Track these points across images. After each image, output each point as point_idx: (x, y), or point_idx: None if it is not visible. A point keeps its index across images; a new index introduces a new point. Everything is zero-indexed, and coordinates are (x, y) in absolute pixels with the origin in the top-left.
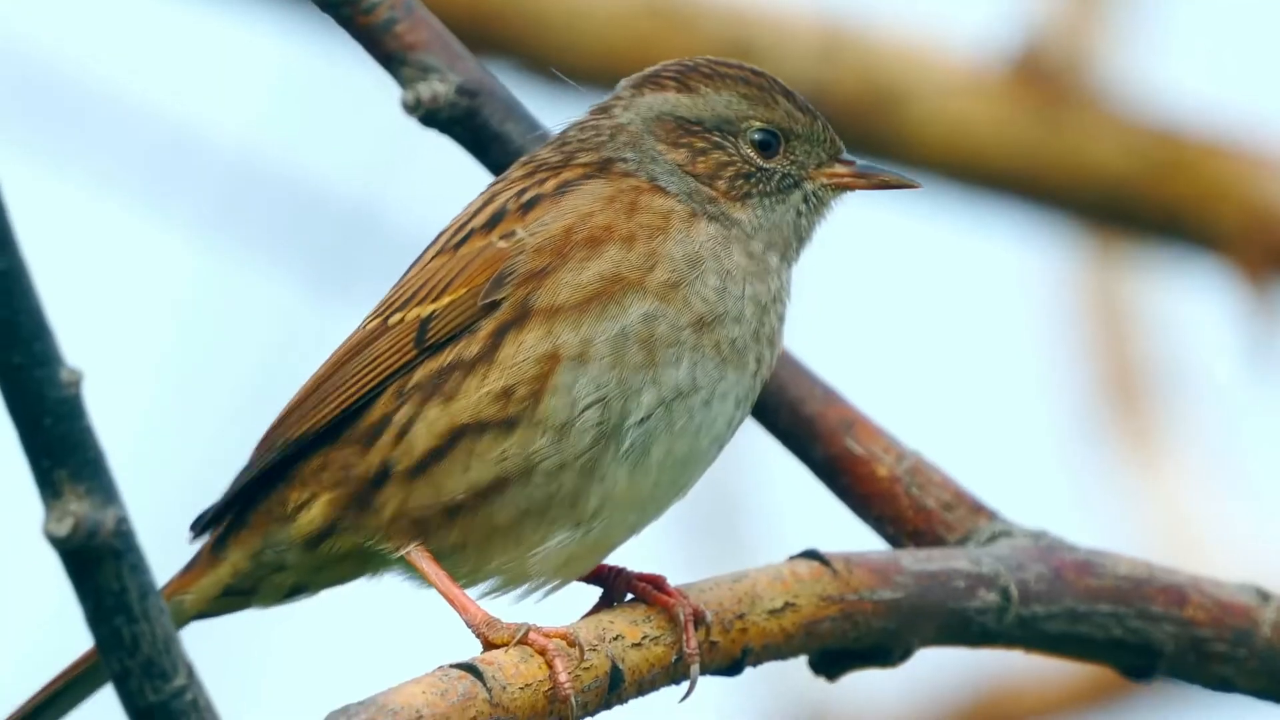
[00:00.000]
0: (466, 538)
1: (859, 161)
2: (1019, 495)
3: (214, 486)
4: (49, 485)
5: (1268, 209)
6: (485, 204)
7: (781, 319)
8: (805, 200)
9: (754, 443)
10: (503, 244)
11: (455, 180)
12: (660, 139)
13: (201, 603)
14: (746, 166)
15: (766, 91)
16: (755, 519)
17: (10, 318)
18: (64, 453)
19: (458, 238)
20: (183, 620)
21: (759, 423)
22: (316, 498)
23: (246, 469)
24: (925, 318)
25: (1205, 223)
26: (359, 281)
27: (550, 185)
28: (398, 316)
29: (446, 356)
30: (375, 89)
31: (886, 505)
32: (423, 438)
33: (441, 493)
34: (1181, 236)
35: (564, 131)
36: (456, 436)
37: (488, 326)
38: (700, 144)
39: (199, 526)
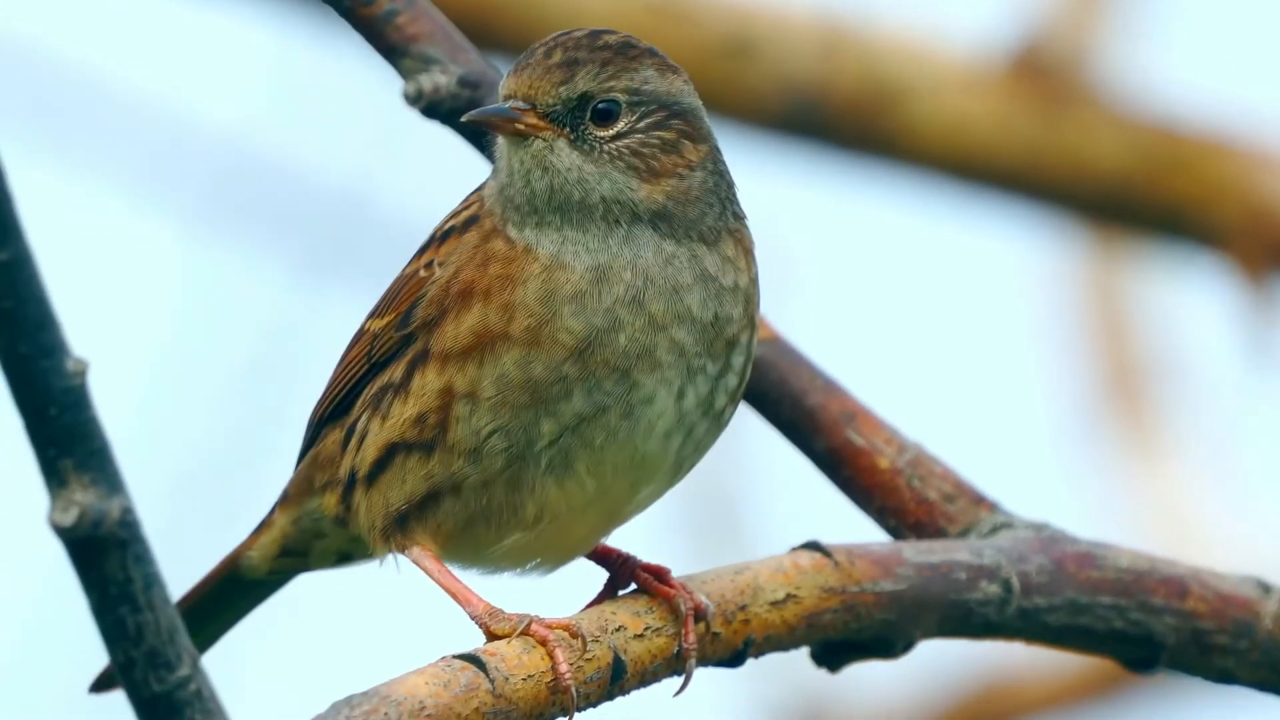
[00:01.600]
0: (426, 542)
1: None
2: (1021, 487)
3: (207, 474)
4: (54, 475)
5: (1267, 206)
6: (441, 221)
7: (677, 288)
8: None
9: (756, 435)
10: (424, 273)
11: (447, 169)
12: None
13: (266, 560)
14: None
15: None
16: (758, 511)
17: (16, 307)
18: (69, 443)
19: (413, 252)
20: (256, 576)
21: (761, 415)
22: (331, 484)
23: (304, 441)
24: (926, 313)
25: (1205, 219)
26: (351, 272)
27: (463, 217)
28: (368, 324)
29: (385, 375)
30: (367, 78)
31: (888, 497)
32: (370, 449)
33: (389, 502)
34: (1181, 233)
35: None
36: (391, 452)
37: (406, 355)
38: None
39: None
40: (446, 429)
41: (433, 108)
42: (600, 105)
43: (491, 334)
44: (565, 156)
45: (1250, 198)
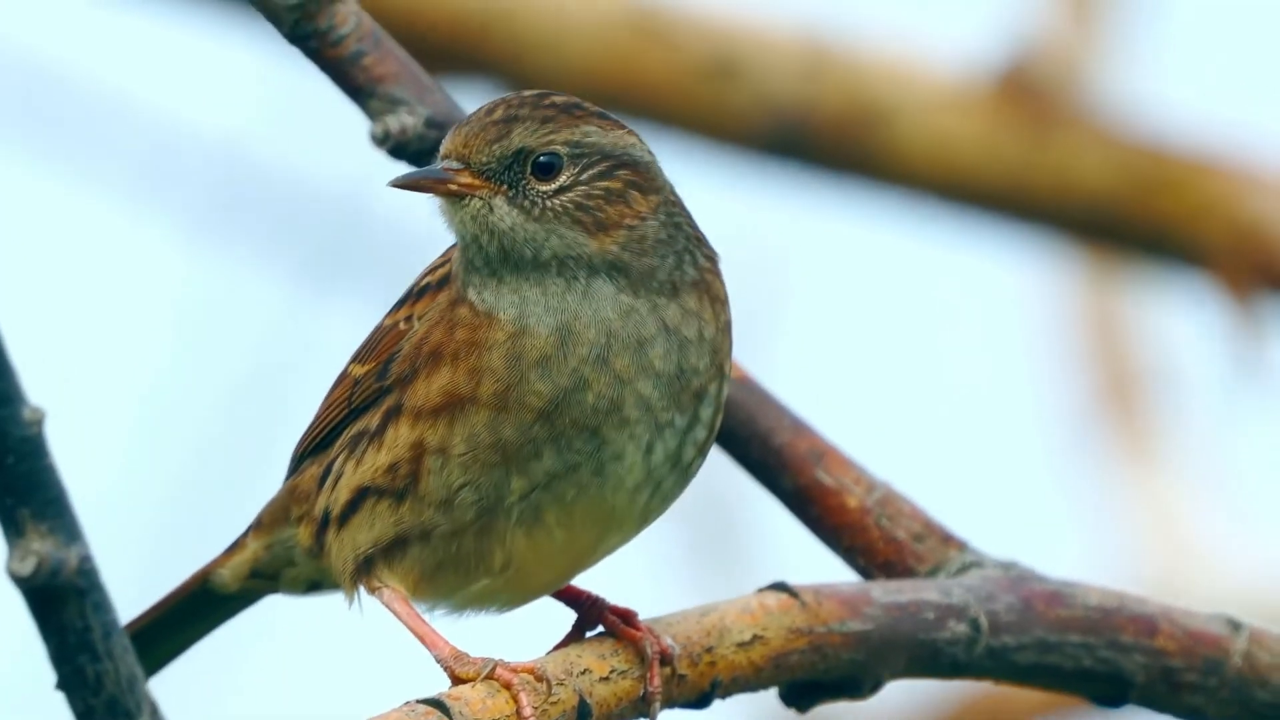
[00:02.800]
0: (395, 584)
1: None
2: (1000, 518)
3: (204, 483)
4: (12, 524)
5: (1254, 225)
6: (420, 274)
7: (641, 341)
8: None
9: (729, 474)
10: (402, 326)
11: None
12: None
13: (237, 580)
14: None
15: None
16: (734, 547)
17: None
18: (26, 491)
19: (394, 302)
20: (226, 592)
21: (729, 454)
22: (306, 519)
23: (287, 471)
24: (913, 334)
25: (1192, 239)
26: (350, 280)
27: (439, 274)
28: (351, 367)
29: (362, 421)
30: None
31: (857, 536)
32: (343, 491)
33: (357, 544)
34: (1168, 253)
35: None
36: (362, 495)
37: (383, 405)
38: None
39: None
40: (418, 479)
41: (400, 149)
42: (541, 159)
43: (460, 397)
44: (505, 215)
45: (1237, 217)
